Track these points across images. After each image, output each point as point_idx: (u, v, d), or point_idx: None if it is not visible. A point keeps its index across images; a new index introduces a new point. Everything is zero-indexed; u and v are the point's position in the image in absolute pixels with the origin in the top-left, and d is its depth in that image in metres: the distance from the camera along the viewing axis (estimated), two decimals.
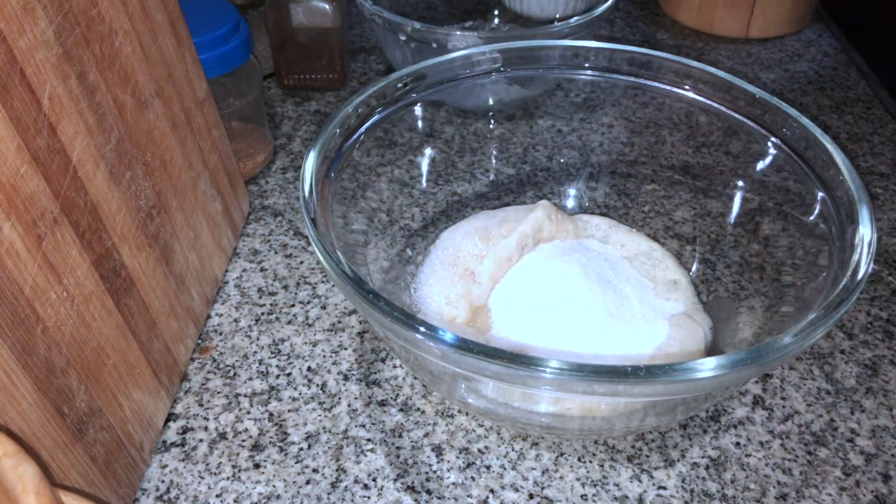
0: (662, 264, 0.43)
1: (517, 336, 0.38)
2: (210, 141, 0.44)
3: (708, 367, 0.28)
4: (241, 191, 0.50)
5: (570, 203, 0.49)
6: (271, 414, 0.39)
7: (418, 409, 0.39)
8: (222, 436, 0.38)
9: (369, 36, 0.71)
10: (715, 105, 0.42)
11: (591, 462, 0.37)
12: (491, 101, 0.50)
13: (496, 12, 0.68)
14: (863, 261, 0.32)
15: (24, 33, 0.27)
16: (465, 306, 0.40)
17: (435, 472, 0.36)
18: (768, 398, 0.40)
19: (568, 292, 0.39)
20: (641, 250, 0.44)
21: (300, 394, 0.40)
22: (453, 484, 0.36)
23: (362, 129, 0.41)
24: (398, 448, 0.37)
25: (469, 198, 0.49)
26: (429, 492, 0.35)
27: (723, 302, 0.42)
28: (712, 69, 0.42)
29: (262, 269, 0.47)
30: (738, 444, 0.38)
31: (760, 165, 0.42)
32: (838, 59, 0.70)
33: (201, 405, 0.39)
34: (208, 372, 0.41)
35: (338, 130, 0.39)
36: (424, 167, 0.47)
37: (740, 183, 0.43)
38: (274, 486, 0.36)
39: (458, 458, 0.37)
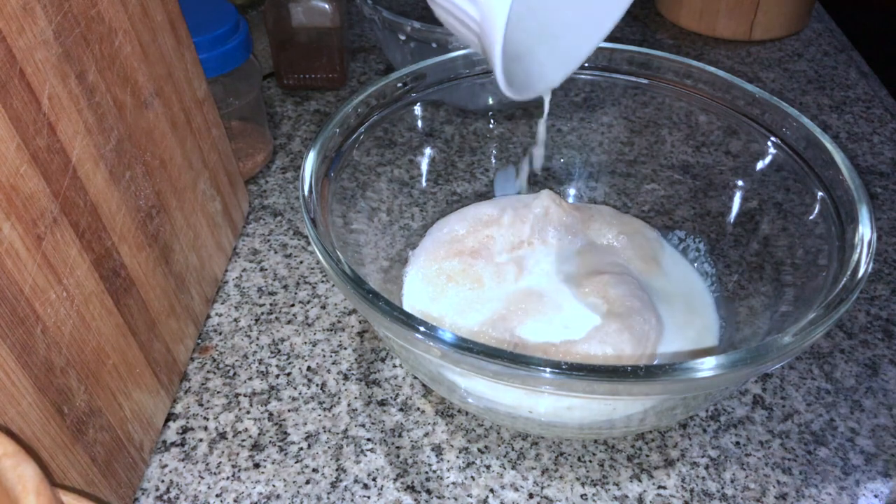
0: (656, 241, 0.45)
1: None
2: (210, 141, 0.44)
3: (708, 367, 0.28)
4: (241, 190, 0.50)
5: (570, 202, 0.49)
6: (271, 414, 0.39)
7: (418, 408, 0.39)
8: (222, 435, 0.38)
9: (369, 36, 0.71)
10: (715, 105, 0.42)
11: (591, 462, 0.37)
12: (491, 101, 0.50)
13: None
14: (862, 260, 0.32)
15: (24, 33, 0.27)
16: (467, 280, 0.41)
17: (435, 471, 0.36)
18: (768, 398, 0.40)
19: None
20: (637, 229, 0.45)
21: (300, 393, 0.40)
22: (453, 483, 0.36)
23: (362, 128, 0.41)
24: (398, 448, 0.37)
25: (469, 197, 0.48)
26: (429, 491, 0.35)
27: (722, 302, 0.42)
28: (712, 69, 0.42)
29: (261, 269, 0.47)
30: (737, 443, 0.38)
31: (760, 165, 0.42)
32: (838, 59, 0.70)
33: (201, 405, 0.39)
34: (208, 372, 0.41)
35: (337, 130, 0.39)
36: (424, 167, 0.47)
37: (740, 183, 0.43)
38: (274, 486, 0.36)
39: (458, 457, 0.37)
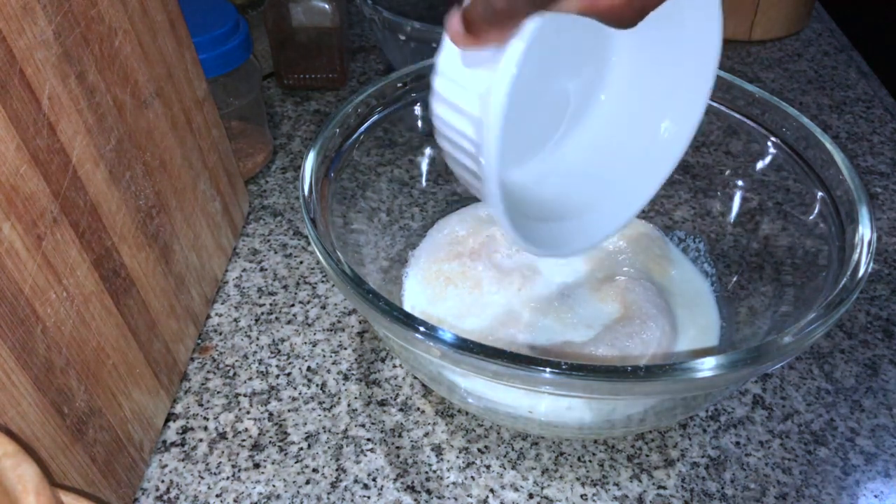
0: (660, 241, 0.45)
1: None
2: (210, 141, 0.44)
3: (707, 367, 0.28)
4: (241, 190, 0.50)
5: None
6: (271, 414, 0.39)
7: (418, 408, 0.39)
8: (222, 436, 0.38)
9: (369, 36, 0.71)
10: (715, 105, 0.42)
11: (591, 462, 0.37)
12: None
13: None
14: (862, 260, 0.32)
15: (24, 33, 0.27)
16: (466, 283, 0.41)
17: (435, 471, 0.36)
18: (768, 398, 0.40)
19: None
20: (641, 231, 0.45)
21: (300, 393, 0.40)
22: (453, 484, 0.36)
23: (362, 128, 0.41)
24: (398, 448, 0.37)
25: (469, 197, 0.48)
26: (429, 491, 0.35)
27: (723, 302, 0.42)
28: None
29: (261, 269, 0.47)
30: (737, 443, 0.38)
31: (760, 165, 0.41)
32: (838, 59, 0.70)
33: (201, 405, 0.39)
34: (208, 372, 0.41)
35: (337, 130, 0.39)
36: (424, 167, 0.47)
37: (740, 183, 0.43)
38: (274, 486, 0.36)
39: (458, 457, 0.37)
